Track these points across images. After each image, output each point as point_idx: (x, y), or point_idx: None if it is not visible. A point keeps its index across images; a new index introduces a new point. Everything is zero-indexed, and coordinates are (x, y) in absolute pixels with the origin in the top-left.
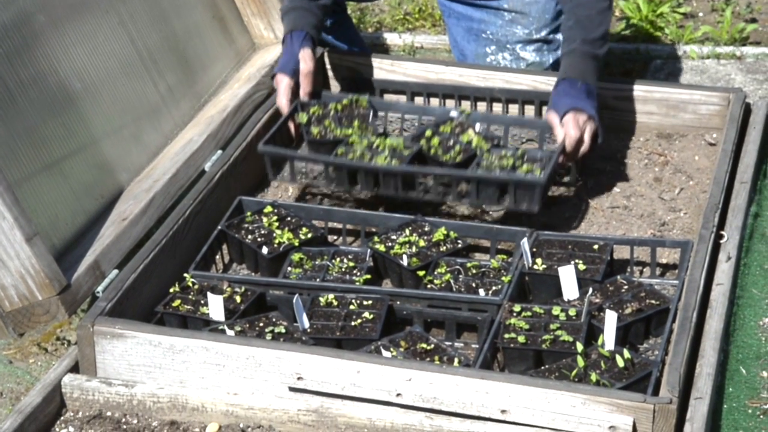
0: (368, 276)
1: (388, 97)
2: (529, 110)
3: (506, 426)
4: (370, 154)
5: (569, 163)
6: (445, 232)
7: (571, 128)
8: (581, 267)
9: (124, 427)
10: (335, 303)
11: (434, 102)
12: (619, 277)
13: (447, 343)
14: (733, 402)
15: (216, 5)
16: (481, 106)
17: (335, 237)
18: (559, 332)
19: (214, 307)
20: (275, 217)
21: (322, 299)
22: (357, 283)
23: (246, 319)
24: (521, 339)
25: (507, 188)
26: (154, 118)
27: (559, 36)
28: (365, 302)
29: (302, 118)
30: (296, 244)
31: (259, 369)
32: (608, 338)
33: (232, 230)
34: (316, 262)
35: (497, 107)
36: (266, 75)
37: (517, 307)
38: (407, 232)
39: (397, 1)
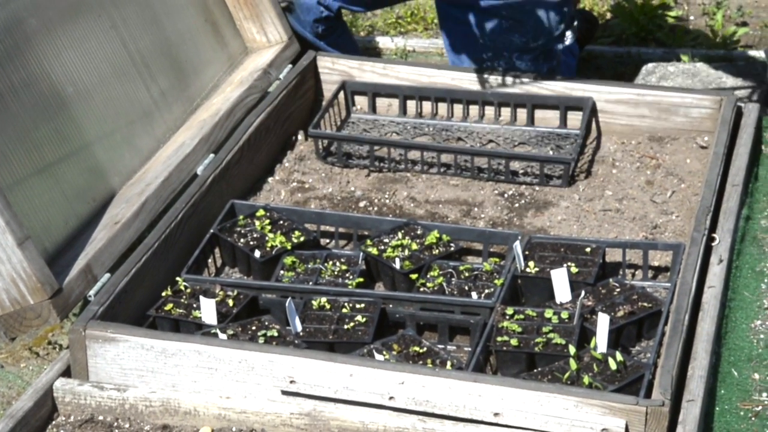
0: (361, 279)
1: (380, 101)
2: (521, 113)
3: (499, 429)
4: None
5: None
6: (438, 235)
7: None
8: (573, 270)
9: (117, 431)
10: (328, 306)
11: (426, 106)
12: (611, 279)
13: (440, 346)
14: (725, 404)
15: (208, 9)
16: (473, 110)
17: (328, 240)
18: (551, 335)
19: (207, 311)
20: (267, 221)
21: (314, 302)
22: (349, 287)
23: (238, 323)
24: (514, 342)
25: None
26: (147, 122)
27: (558, 46)
28: (358, 305)
29: None
30: (289, 247)
31: (251, 372)
32: (600, 341)
33: (224, 234)
34: (309, 266)
35: (489, 111)
36: (258, 78)
37: (509, 310)
38: (400, 235)
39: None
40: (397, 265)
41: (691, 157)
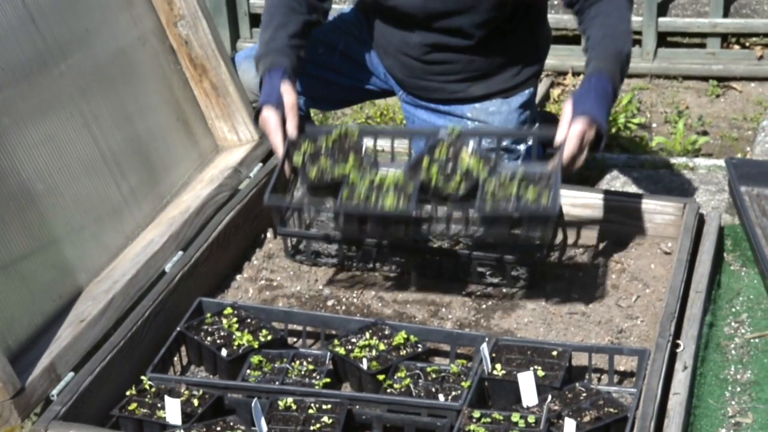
0: (327, 380)
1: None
2: None
3: None
4: (375, 194)
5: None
6: (406, 336)
7: (574, 139)
8: (540, 373)
9: None
10: (294, 407)
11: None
12: (577, 384)
13: None
14: None
15: (181, 108)
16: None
17: (295, 339)
18: None
19: (171, 411)
20: (235, 319)
21: (281, 403)
22: (316, 387)
23: (203, 423)
24: None
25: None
26: (116, 219)
27: (521, 147)
28: (324, 406)
29: (297, 159)
30: (256, 346)
31: None
32: None
33: (191, 332)
34: (276, 365)
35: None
36: (229, 176)
37: (476, 413)
38: (367, 335)
39: (359, 105)
40: (365, 365)
41: (655, 262)
